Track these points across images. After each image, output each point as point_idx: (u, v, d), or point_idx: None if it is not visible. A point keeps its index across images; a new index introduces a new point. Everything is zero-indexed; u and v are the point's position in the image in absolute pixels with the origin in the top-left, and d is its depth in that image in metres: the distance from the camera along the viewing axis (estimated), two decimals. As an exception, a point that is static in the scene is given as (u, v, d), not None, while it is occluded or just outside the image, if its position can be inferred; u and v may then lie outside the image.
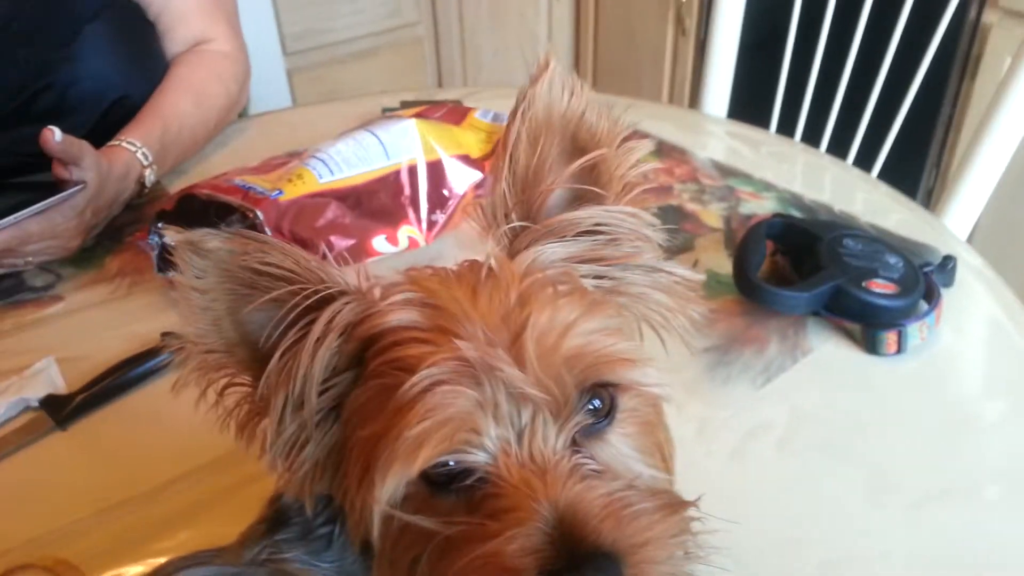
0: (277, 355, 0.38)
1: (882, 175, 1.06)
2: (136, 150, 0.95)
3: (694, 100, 1.47)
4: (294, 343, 0.38)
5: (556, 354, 0.37)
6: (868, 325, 0.75)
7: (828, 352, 0.77)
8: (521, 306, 0.37)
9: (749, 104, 1.34)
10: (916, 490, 0.63)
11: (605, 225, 0.43)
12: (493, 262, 0.40)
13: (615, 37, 2.34)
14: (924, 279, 0.79)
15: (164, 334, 0.77)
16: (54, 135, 0.79)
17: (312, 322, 0.38)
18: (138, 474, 0.66)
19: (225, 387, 0.40)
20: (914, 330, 0.75)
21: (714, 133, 1.22)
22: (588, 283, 0.43)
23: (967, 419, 0.70)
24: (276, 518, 0.45)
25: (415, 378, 0.35)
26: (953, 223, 1.04)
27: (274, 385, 0.38)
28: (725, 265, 0.86)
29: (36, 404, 0.72)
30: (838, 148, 1.26)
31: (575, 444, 0.38)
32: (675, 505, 0.38)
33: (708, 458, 0.67)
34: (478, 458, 0.36)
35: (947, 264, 0.83)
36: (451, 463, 0.37)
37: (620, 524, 0.35)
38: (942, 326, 0.78)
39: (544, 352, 0.36)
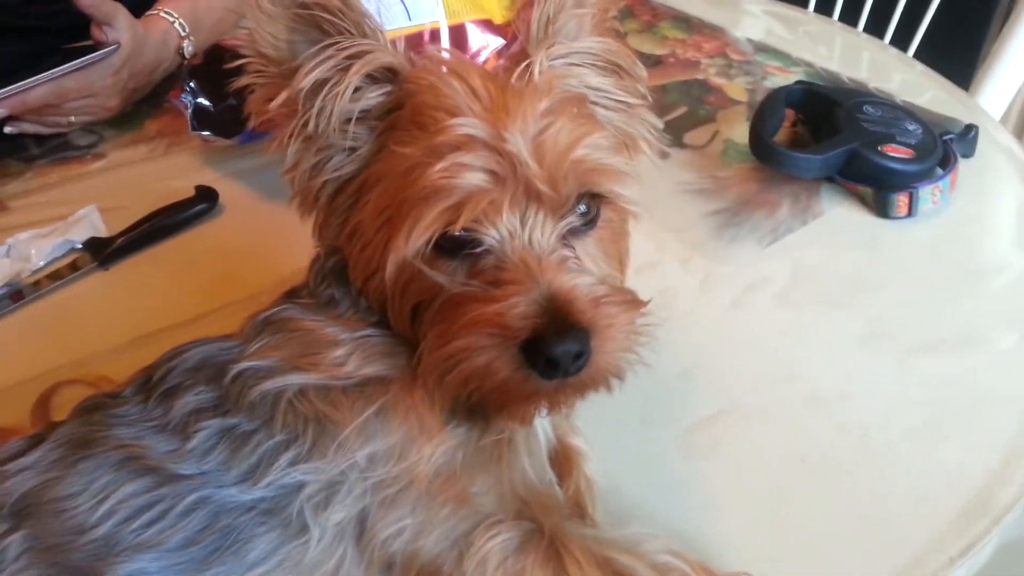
0: (312, 72, 0.43)
1: (937, 63, 1.03)
2: (173, 20, 0.98)
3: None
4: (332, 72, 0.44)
5: (567, 159, 0.43)
6: (880, 188, 0.76)
7: (839, 215, 0.78)
8: (549, 113, 0.43)
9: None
10: (910, 339, 0.65)
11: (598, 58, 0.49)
12: (536, 68, 0.45)
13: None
14: (942, 146, 0.78)
15: (198, 187, 0.83)
16: None
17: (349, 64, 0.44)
18: (172, 309, 0.71)
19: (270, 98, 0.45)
20: (926, 193, 0.75)
21: (751, 12, 1.19)
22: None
23: (969, 280, 0.70)
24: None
25: (451, 155, 0.41)
26: (987, 101, 1.02)
27: (304, 99, 0.44)
28: (744, 136, 0.86)
29: (80, 246, 0.77)
30: (877, 27, 1.23)
31: (562, 239, 0.44)
32: (635, 302, 0.44)
33: (709, 307, 0.69)
34: (491, 234, 0.42)
35: (968, 133, 0.82)
36: (460, 234, 0.42)
37: (595, 308, 0.41)
38: (957, 193, 0.78)
39: (559, 155, 0.42)
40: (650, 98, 0.51)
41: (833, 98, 0.82)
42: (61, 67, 0.85)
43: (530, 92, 0.44)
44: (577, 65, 0.48)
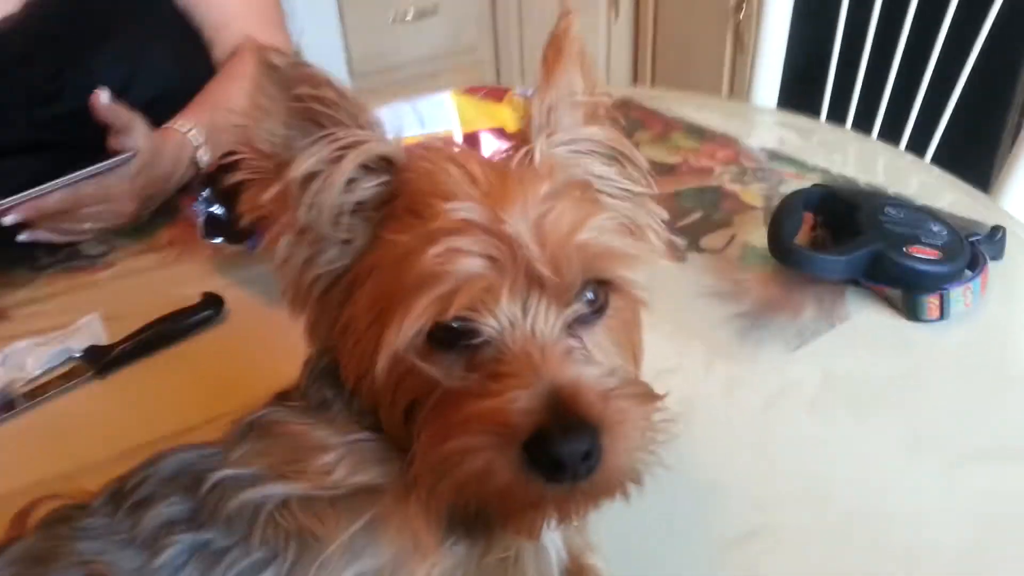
0: (305, 164, 0.42)
1: (951, 168, 1.03)
2: (187, 131, 0.99)
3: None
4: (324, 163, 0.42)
5: (571, 242, 0.40)
6: (909, 290, 0.73)
7: (866, 319, 0.74)
8: (551, 196, 0.41)
9: (800, 95, 1.32)
10: (952, 449, 0.60)
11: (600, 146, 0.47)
12: (538, 154, 0.43)
13: (674, 54, 2.34)
14: (969, 247, 0.76)
15: (204, 294, 0.81)
16: (100, 97, 0.84)
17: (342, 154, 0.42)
18: (169, 418, 0.67)
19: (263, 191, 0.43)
20: (957, 295, 0.71)
21: (762, 122, 1.20)
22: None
23: (1011, 384, 0.66)
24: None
25: (445, 239, 0.38)
26: (1010, 204, 1.00)
27: (296, 191, 0.42)
28: (763, 240, 0.84)
29: (78, 354, 0.75)
30: (891, 135, 1.24)
31: (568, 329, 0.40)
32: (648, 396, 0.41)
33: (735, 414, 0.65)
34: (489, 323, 0.39)
35: (995, 235, 0.79)
36: (457, 324, 0.39)
37: (604, 403, 0.37)
38: (989, 295, 0.75)
39: (562, 238, 0.40)
40: (654, 187, 0.49)
41: (853, 200, 0.81)
42: (78, 173, 0.86)
43: (531, 176, 0.42)
44: (580, 153, 0.46)
